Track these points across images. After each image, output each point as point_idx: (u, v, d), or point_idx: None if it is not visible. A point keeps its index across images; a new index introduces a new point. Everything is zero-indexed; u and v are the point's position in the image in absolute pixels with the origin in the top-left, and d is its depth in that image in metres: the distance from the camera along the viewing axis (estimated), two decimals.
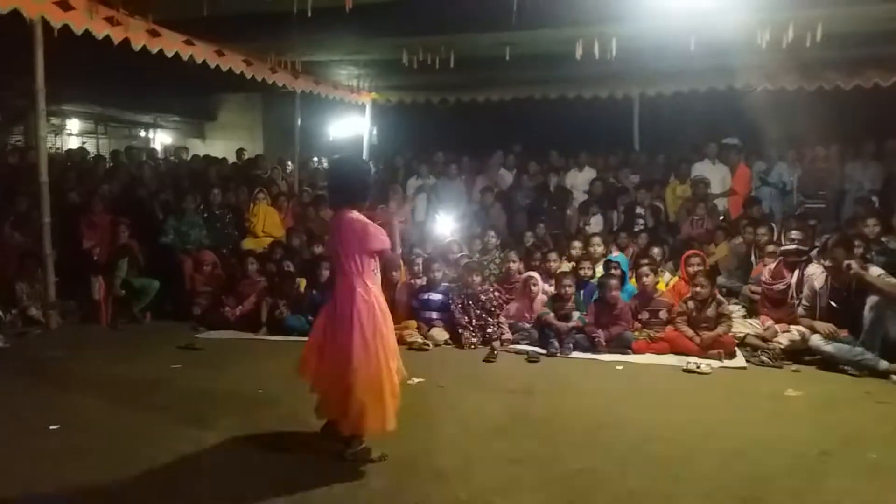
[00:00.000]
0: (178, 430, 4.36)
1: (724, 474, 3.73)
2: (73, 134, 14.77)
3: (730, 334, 6.12)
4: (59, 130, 14.29)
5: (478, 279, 6.84)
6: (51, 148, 12.65)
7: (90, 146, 14.09)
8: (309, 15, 6.19)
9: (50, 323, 6.96)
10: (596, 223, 9.00)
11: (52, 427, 4.37)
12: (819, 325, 5.82)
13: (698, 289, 6.24)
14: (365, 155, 13.28)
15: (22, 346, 6.40)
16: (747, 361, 5.91)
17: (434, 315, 6.81)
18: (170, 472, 3.80)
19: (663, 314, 6.41)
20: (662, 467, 3.82)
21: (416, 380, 5.35)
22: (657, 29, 7.28)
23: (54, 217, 7.02)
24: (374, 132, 13.85)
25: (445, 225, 8.45)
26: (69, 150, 12.78)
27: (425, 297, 6.92)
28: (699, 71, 9.90)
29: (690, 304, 6.28)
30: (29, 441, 4.18)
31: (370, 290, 3.82)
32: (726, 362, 5.88)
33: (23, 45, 6.55)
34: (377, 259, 3.89)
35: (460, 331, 6.57)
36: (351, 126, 14.95)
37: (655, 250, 7.57)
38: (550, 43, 7.98)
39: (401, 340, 6.39)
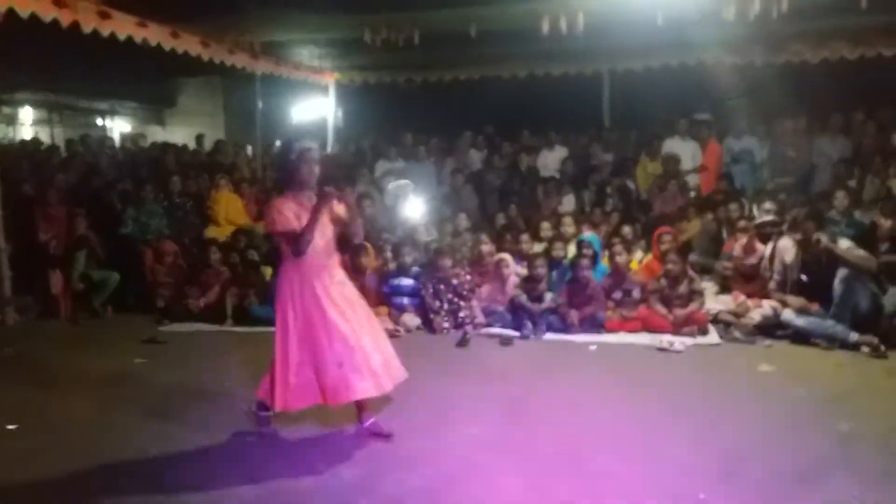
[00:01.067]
0: (142, 424, 4.26)
1: (700, 451, 3.71)
2: (25, 124, 14.32)
3: (703, 311, 6.10)
4: (10, 120, 13.83)
5: (448, 263, 6.72)
6: (2, 138, 12.25)
7: (44, 135, 13.66)
8: None
9: (6, 319, 6.78)
10: (568, 202, 8.92)
11: (9, 427, 4.24)
12: (791, 299, 5.85)
13: (670, 266, 6.21)
14: (329, 137, 13.08)
15: None
16: (720, 338, 5.91)
17: (405, 300, 6.70)
18: (134, 467, 3.69)
19: (636, 293, 6.37)
20: (638, 446, 3.79)
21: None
22: (623, 3, 7.18)
23: (8, 210, 6.81)
24: (339, 114, 13.60)
25: (415, 208, 8.30)
26: (22, 141, 12.35)
27: (396, 282, 6.80)
28: (668, 46, 9.82)
29: (663, 281, 6.24)
30: None
31: (289, 271, 3.83)
32: (700, 339, 5.87)
33: None
34: (297, 239, 3.72)
35: (432, 316, 6.47)
36: (315, 108, 14.67)
37: (627, 229, 7.53)
38: (516, 18, 7.83)
39: None
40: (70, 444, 4.01)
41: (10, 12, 5.98)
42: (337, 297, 3.85)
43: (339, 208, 3.97)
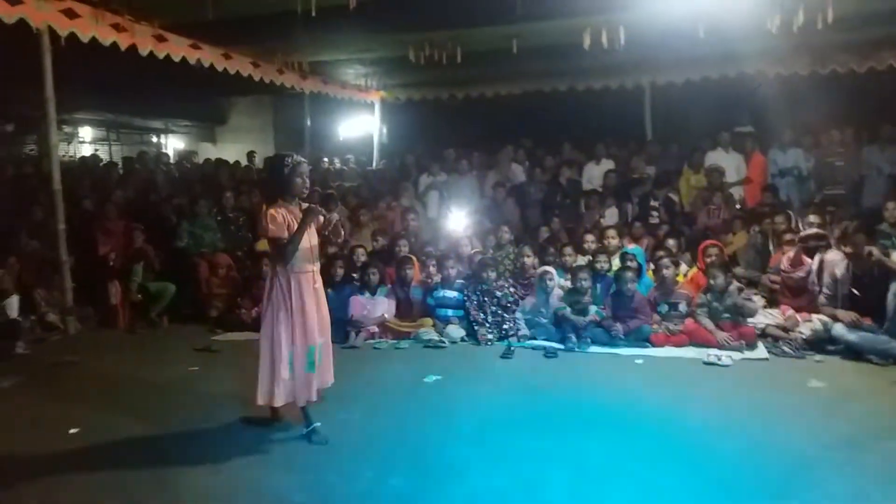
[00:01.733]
0: (196, 431, 4.38)
1: (749, 468, 3.67)
2: (85, 142, 14.87)
3: (750, 325, 6.03)
4: (71, 139, 14.38)
5: (492, 275, 6.80)
6: (64, 156, 12.73)
7: (103, 153, 14.18)
8: (313, 14, 6.18)
9: (68, 328, 7.01)
10: (611, 215, 8.92)
11: (71, 431, 4.40)
12: (841, 313, 5.74)
13: (713, 280, 6.15)
14: (375, 153, 13.31)
15: (41, 352, 6.42)
16: (769, 352, 5.83)
17: (450, 312, 6.78)
18: (190, 472, 3.81)
19: (682, 306, 6.33)
20: (686, 461, 3.77)
21: (434, 377, 5.35)
22: (665, 16, 7.21)
23: (69, 224, 7.07)
24: (384, 131, 13.83)
25: (458, 221, 8.42)
26: (82, 158, 12.85)
27: (440, 294, 6.89)
28: (709, 58, 9.81)
29: (709, 295, 6.20)
30: (49, 445, 4.20)
31: (278, 274, 4.16)
32: (748, 354, 5.80)
33: (32, 55, 6.57)
34: (284, 247, 4.08)
35: (476, 327, 6.53)
36: (361, 125, 14.96)
37: (671, 242, 7.50)
38: (558, 34, 7.92)
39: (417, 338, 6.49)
40: (128, 448, 4.16)
41: (72, 36, 6.31)
42: (314, 303, 4.20)
43: (329, 219, 4.32)
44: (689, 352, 5.93)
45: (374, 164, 13.23)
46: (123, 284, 7.39)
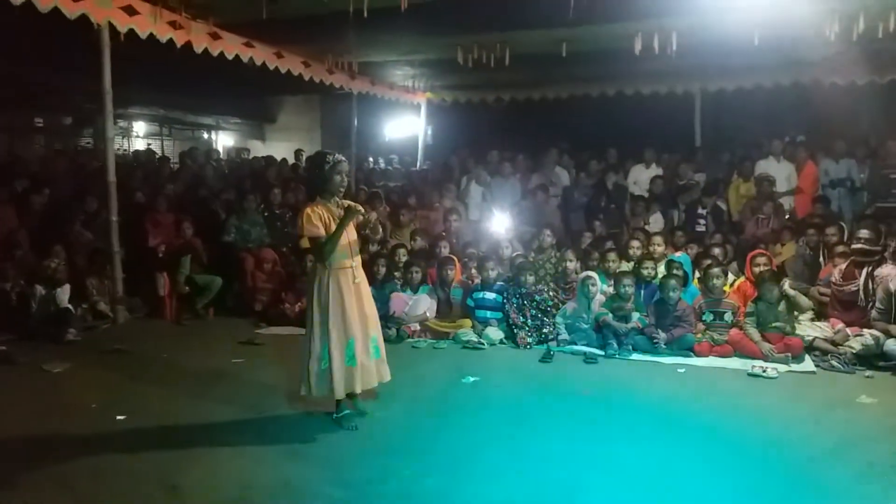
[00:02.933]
0: (238, 422, 4.46)
1: (795, 483, 3.59)
2: (139, 136, 15.26)
3: (797, 337, 5.89)
4: (126, 133, 14.78)
5: (532, 279, 6.77)
6: (118, 150, 13.09)
7: (155, 147, 14.53)
8: (365, 15, 6.23)
9: (118, 317, 7.20)
10: (656, 222, 8.80)
11: (119, 417, 4.52)
12: (895, 328, 5.56)
13: (766, 292, 6.01)
14: (419, 154, 13.37)
15: (91, 340, 6.62)
16: (816, 366, 5.68)
17: (489, 314, 6.77)
18: (231, 462, 3.88)
19: (728, 316, 6.22)
20: (731, 473, 3.69)
21: (473, 378, 5.35)
22: (719, 22, 7.08)
23: (122, 216, 7.25)
24: (429, 132, 13.89)
25: (500, 223, 8.40)
26: (136, 152, 13.20)
27: (480, 296, 6.88)
28: (763, 66, 9.62)
29: (757, 305, 6.06)
30: (97, 430, 4.33)
31: (317, 270, 4.27)
32: (794, 366, 5.66)
33: (91, 50, 6.77)
34: (322, 245, 4.19)
35: (515, 330, 6.51)
36: (406, 126, 15.05)
37: (718, 250, 7.37)
38: (608, 38, 7.85)
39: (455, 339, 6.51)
40: (173, 435, 4.26)
41: (130, 32, 6.49)
42: (353, 298, 4.27)
43: (368, 217, 4.45)
44: (734, 362, 5.81)
45: (419, 165, 13.30)
46: (171, 276, 7.55)
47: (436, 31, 7.92)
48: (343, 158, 4.42)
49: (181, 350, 6.30)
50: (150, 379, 5.40)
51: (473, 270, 7.30)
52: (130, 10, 6.40)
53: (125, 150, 13.73)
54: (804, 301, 6.13)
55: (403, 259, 7.35)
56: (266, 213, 8.67)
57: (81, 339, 6.55)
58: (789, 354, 5.74)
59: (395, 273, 7.23)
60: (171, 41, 6.85)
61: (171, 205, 8.53)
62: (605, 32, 7.64)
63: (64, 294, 6.71)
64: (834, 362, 5.64)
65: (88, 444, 4.12)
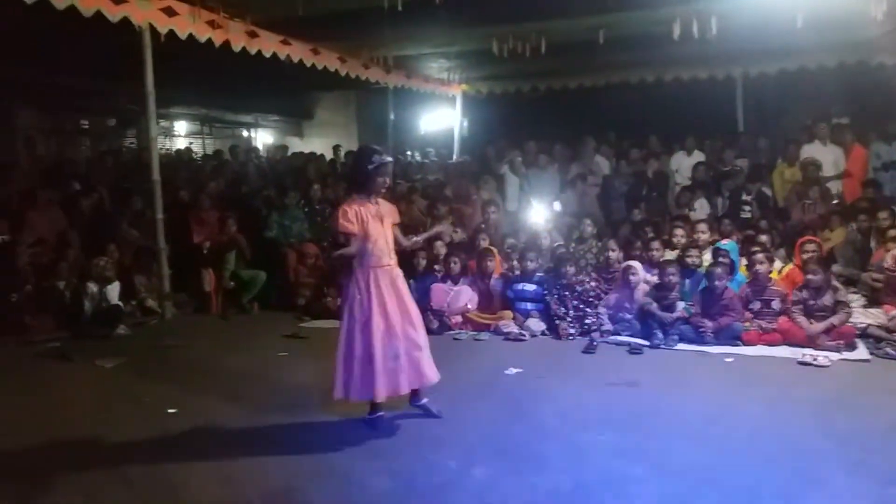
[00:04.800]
0: (285, 414, 4.51)
1: (852, 474, 3.48)
2: (180, 135, 15.54)
3: (849, 324, 5.74)
4: (167, 132, 15.06)
5: (572, 269, 6.71)
6: (160, 149, 13.32)
7: (196, 146, 14.79)
8: (400, 9, 6.24)
9: (165, 313, 7.38)
10: (700, 209, 8.65)
11: (170, 410, 4.62)
12: None
13: (813, 276, 5.87)
14: (455, 146, 13.35)
15: (141, 335, 6.81)
16: (871, 354, 5.52)
17: (530, 306, 6.74)
18: (279, 453, 3.93)
19: (776, 304, 6.08)
20: (784, 465, 3.61)
21: (515, 370, 5.34)
22: (760, 4, 6.91)
23: (166, 214, 7.41)
24: (465, 124, 13.86)
25: (539, 214, 8.35)
26: (178, 151, 13.45)
27: (520, 287, 6.85)
28: (807, 47, 9.34)
29: (805, 292, 5.93)
30: (151, 423, 4.43)
31: (353, 269, 4.20)
32: (847, 354, 5.51)
33: (132, 52, 6.90)
34: (363, 242, 4.15)
35: (557, 321, 6.47)
36: (442, 119, 15.03)
37: (764, 237, 7.21)
38: (646, 24, 7.72)
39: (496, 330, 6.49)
40: (222, 426, 4.34)
41: (170, 33, 6.61)
42: (393, 296, 4.21)
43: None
44: (783, 351, 5.69)
45: (455, 157, 13.28)
46: (217, 272, 7.71)
47: (471, 22, 7.89)
48: (389, 159, 4.30)
49: (228, 344, 6.43)
50: (199, 372, 5.52)
51: (514, 262, 7.27)
52: (170, 11, 6.53)
53: (167, 149, 13.98)
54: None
55: (442, 251, 7.36)
56: (306, 209, 8.77)
57: (131, 335, 6.73)
58: (841, 342, 5.60)
59: (435, 266, 7.24)
60: (209, 41, 6.96)
61: (214, 202, 8.67)
62: (642, 18, 7.52)
63: (114, 291, 6.89)
64: (889, 350, 5.49)
65: (143, 436, 4.22)
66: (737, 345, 5.87)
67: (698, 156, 9.85)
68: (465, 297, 6.84)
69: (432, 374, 4.32)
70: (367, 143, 5.23)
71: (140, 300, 7.31)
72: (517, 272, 7.04)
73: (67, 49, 8.85)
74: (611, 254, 7.05)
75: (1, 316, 6.56)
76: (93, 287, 6.82)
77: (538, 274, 6.88)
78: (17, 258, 6.99)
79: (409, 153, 15.15)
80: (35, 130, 11.30)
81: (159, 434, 4.25)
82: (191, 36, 6.78)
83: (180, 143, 14.94)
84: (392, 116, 11.93)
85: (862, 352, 5.57)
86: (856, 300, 6.30)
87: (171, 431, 4.29)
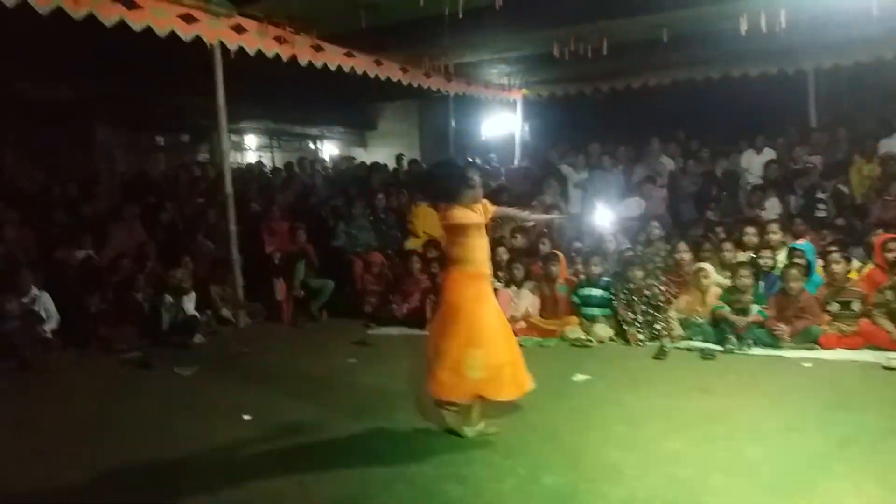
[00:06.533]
0: (356, 421, 4.57)
1: None
2: (250, 149, 16.00)
3: None
4: (238, 146, 15.53)
5: (640, 273, 6.59)
6: (232, 163, 13.76)
7: (265, 159, 15.19)
8: (460, 16, 6.28)
9: (239, 322, 7.60)
10: (772, 208, 8.38)
11: (245, 417, 4.74)
12: None
13: None
14: (517, 152, 13.32)
15: (216, 344, 7.03)
16: None
17: (596, 311, 6.66)
18: (350, 460, 3.99)
19: (856, 305, 5.83)
20: (868, 473, 3.48)
21: (583, 377, 5.28)
22: None
23: (239, 226, 7.65)
24: (526, 128, 13.80)
25: (604, 217, 8.24)
26: (248, 164, 13.85)
27: (586, 292, 6.77)
28: (882, 37, 8.94)
29: (889, 293, 5.66)
30: (226, 429, 4.56)
31: (455, 274, 4.17)
32: None
33: (205, 69, 7.15)
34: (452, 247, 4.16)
35: (626, 327, 6.37)
36: (503, 124, 15.01)
37: (840, 236, 6.94)
38: (711, 20, 7.54)
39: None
40: (295, 433, 4.43)
41: (240, 49, 6.82)
42: (489, 304, 4.17)
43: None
44: (865, 355, 5.46)
45: (517, 162, 13.24)
46: (287, 281, 7.89)
47: (530, 26, 7.87)
48: (475, 177, 4.27)
49: (299, 351, 6.59)
50: (272, 380, 5.66)
51: (579, 266, 7.19)
52: (239, 29, 6.75)
53: (238, 163, 14.42)
54: None
55: (505, 258, 7.34)
56: (372, 218, 8.90)
57: (207, 344, 6.96)
58: None
59: (499, 272, 7.23)
60: (277, 56, 7.16)
61: (284, 213, 8.89)
62: (707, 14, 7.34)
63: (190, 302, 7.14)
64: None
65: (219, 442, 4.36)
66: (815, 349, 5.67)
67: (769, 153, 9.55)
68: (525, 301, 6.82)
69: (510, 389, 4.24)
70: (453, 157, 5.28)
71: (215, 309, 7.55)
72: (582, 276, 6.96)
73: (143, 67, 9.26)
74: (684, 256, 6.88)
75: (80, 327, 6.85)
76: (170, 298, 7.09)
77: (604, 278, 6.79)
78: (99, 273, 7.31)
79: (470, 160, 15.16)
80: (114, 147, 11.82)
81: (236, 440, 4.37)
82: (259, 52, 6.99)
83: (250, 157, 15.37)
84: (453, 124, 11.98)
85: None
86: None
87: (247, 437, 4.41)
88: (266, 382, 5.58)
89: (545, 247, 7.54)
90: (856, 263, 6.65)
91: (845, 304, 5.89)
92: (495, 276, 7.14)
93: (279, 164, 14.04)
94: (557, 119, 13.75)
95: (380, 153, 15.42)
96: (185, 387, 5.65)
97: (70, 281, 7.19)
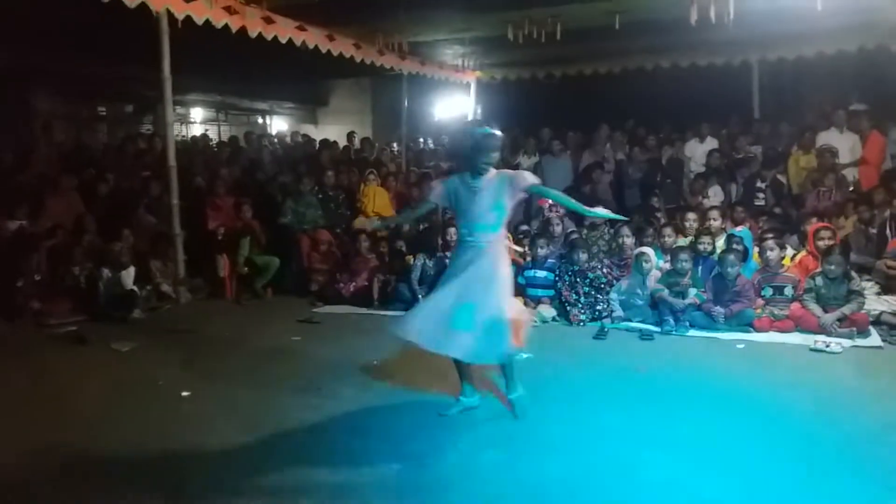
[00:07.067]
0: (299, 398, 4.55)
1: (862, 464, 3.48)
2: (196, 122, 15.62)
3: (863, 312, 5.71)
4: (183, 119, 15.14)
5: (584, 256, 6.71)
6: (177, 135, 13.44)
7: (212, 133, 14.88)
8: None
9: (180, 298, 7.45)
10: (714, 195, 8.60)
11: (184, 393, 4.68)
12: None
13: (833, 267, 5.83)
14: None
15: (155, 320, 6.88)
16: (884, 341, 5.50)
17: (540, 292, 6.76)
18: (292, 436, 3.98)
19: (788, 291, 6.06)
20: (793, 451, 3.62)
21: (526, 355, 5.33)
22: None
23: (182, 200, 7.47)
24: (479, 111, 13.80)
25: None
26: (193, 137, 13.54)
27: (531, 273, 6.87)
28: (826, 32, 9.20)
29: (819, 279, 5.90)
30: (164, 405, 4.50)
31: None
32: (859, 341, 5.50)
33: (150, 38, 6.92)
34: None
35: (568, 308, 6.48)
36: (456, 106, 14.99)
37: (776, 224, 7.18)
38: (663, 8, 7.63)
39: None
40: (234, 412, 4.36)
41: (187, 19, 6.62)
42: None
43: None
44: (795, 338, 5.68)
45: None
46: (231, 258, 7.76)
47: (487, 7, 7.84)
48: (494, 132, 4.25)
49: (242, 329, 6.49)
50: (213, 357, 5.58)
51: (525, 248, 7.27)
52: None
53: (184, 136, 14.07)
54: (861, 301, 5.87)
55: (454, 237, 7.35)
56: (320, 195, 8.80)
57: (146, 320, 6.81)
58: (854, 329, 5.58)
59: (448, 252, 7.25)
60: (226, 26, 6.96)
61: (229, 188, 8.72)
62: (659, 2, 7.44)
63: (129, 276, 6.97)
64: None
65: (157, 419, 4.29)
66: (748, 331, 5.86)
67: (712, 143, 9.78)
68: None
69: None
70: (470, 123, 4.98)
71: (156, 285, 7.38)
72: (528, 258, 7.05)
73: (85, 35, 8.92)
74: (626, 240, 7.03)
75: (11, 300, 6.63)
76: (107, 272, 6.90)
77: (550, 260, 6.89)
78: (33, 243, 7.07)
79: (422, 140, 15.14)
80: (53, 116, 11.40)
81: (174, 417, 4.31)
82: (207, 22, 6.79)
83: (196, 130, 15.03)
84: (406, 103, 11.90)
85: (875, 339, 5.55)
86: (870, 288, 6.25)
87: (185, 415, 4.35)
88: (207, 359, 5.50)
89: None
90: (790, 251, 6.89)
91: (778, 290, 6.10)
92: (444, 256, 7.19)
93: (226, 138, 13.76)
94: (511, 102, 13.79)
95: (331, 130, 15.25)
96: (123, 362, 5.52)
97: (1, 251, 6.93)
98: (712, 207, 7.60)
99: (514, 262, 6.98)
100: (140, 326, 6.59)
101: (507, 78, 12.43)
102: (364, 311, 7.06)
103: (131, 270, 7.02)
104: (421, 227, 8.23)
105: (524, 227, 7.91)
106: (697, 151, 9.75)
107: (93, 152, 10.14)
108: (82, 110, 12.66)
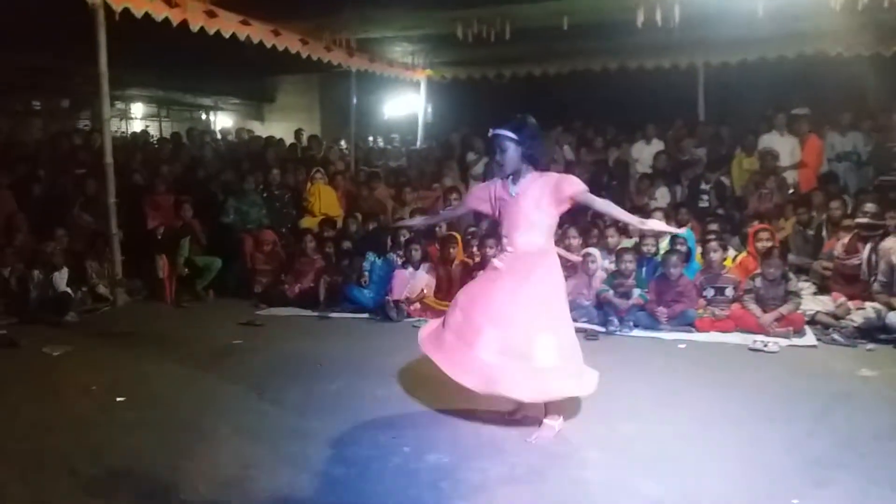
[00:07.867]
0: (240, 402, 4.45)
1: (793, 456, 3.57)
2: (136, 118, 15.20)
3: (799, 312, 5.86)
4: (123, 115, 14.71)
5: None
6: (116, 132, 13.06)
7: (153, 129, 14.49)
8: None
9: (117, 300, 7.21)
10: (661, 197, 8.74)
11: (118, 399, 4.51)
12: None
13: (772, 269, 5.96)
14: (420, 133, 13.28)
15: (91, 322, 6.64)
16: (818, 340, 5.66)
17: None
18: (231, 442, 3.87)
19: (729, 291, 6.18)
20: (729, 448, 3.69)
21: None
22: None
23: (120, 198, 7.22)
24: (429, 110, 13.78)
25: None
26: (133, 133, 13.16)
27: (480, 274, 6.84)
28: (767, 38, 9.49)
29: (758, 281, 6.03)
30: (97, 413, 4.32)
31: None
32: (795, 340, 5.64)
33: (87, 32, 6.67)
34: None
35: None
36: (406, 104, 14.94)
37: (718, 226, 7.31)
38: (610, 10, 7.75)
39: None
40: (172, 417, 4.23)
41: (126, 12, 6.41)
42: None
43: None
44: (735, 338, 5.79)
45: (419, 144, 13.21)
46: (171, 258, 7.54)
47: (435, 5, 7.82)
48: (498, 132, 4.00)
49: (181, 332, 6.32)
50: (151, 361, 5.38)
51: (475, 249, 7.26)
52: None
53: (122, 132, 13.67)
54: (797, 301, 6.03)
55: (405, 237, 7.32)
56: (265, 194, 8.63)
57: (81, 322, 6.56)
58: (791, 329, 5.72)
59: (398, 252, 7.22)
60: (167, 20, 6.77)
61: (170, 186, 8.49)
62: (606, 4, 7.53)
63: (62, 278, 6.71)
64: (836, 336, 5.61)
65: (89, 425, 4.12)
66: (690, 331, 5.96)
67: (658, 144, 9.94)
68: (421, 282, 6.82)
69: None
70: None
71: (91, 286, 7.13)
72: (477, 259, 7.03)
73: (19, 26, 8.55)
74: (571, 241, 7.07)
75: None
76: (39, 273, 6.64)
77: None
78: None
79: (371, 139, 15.04)
80: None
81: (107, 423, 4.15)
82: (147, 14, 6.58)
83: (137, 126, 14.61)
84: (355, 101, 11.78)
85: (810, 338, 5.70)
86: (806, 288, 6.42)
87: (119, 420, 4.19)
88: (144, 363, 5.31)
89: (442, 229, 7.56)
90: (731, 252, 7.04)
91: (720, 290, 6.22)
92: (396, 255, 7.14)
93: (168, 134, 13.41)
94: (461, 102, 13.81)
95: (278, 127, 15.02)
96: (55, 367, 5.30)
97: None
98: (656, 209, 7.70)
99: (462, 264, 7.02)
100: (75, 329, 6.35)
101: (458, 77, 12.47)
102: (309, 313, 6.93)
103: (64, 272, 6.76)
104: (370, 226, 8.14)
105: (472, 228, 7.88)
106: (644, 153, 9.90)
107: (26, 148, 9.73)
108: (15, 104, 12.17)
